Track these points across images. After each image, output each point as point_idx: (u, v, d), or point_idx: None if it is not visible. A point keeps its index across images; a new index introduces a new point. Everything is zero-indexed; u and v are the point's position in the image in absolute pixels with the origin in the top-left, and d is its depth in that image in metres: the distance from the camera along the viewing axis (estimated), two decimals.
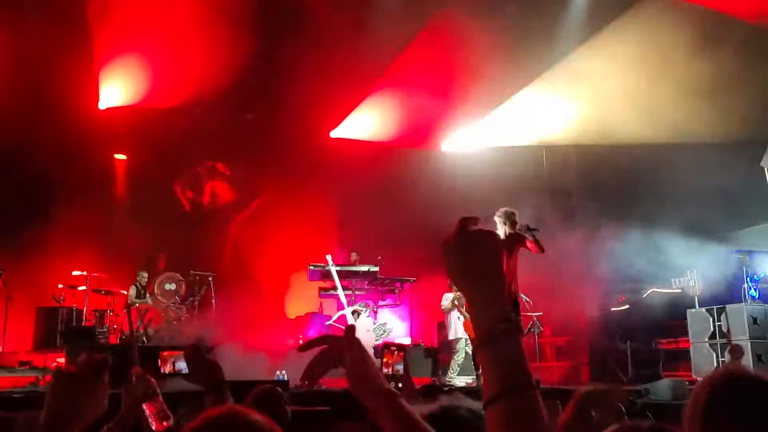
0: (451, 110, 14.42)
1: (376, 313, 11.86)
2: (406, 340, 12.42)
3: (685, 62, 11.39)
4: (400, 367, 2.90)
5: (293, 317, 13.41)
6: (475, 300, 1.27)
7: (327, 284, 12.00)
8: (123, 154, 14.03)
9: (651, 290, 12.47)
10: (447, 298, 10.59)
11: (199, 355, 2.27)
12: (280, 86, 13.53)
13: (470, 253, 1.29)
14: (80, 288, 11.47)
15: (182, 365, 2.43)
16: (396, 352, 2.92)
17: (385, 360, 2.87)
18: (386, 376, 2.93)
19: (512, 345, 1.22)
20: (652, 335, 12.58)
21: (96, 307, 11.49)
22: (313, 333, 12.34)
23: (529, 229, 8.64)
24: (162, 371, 2.66)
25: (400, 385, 2.86)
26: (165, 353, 2.71)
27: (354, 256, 12.57)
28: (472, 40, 12.57)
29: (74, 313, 11.46)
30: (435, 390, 3.86)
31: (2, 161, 11.97)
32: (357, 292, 11.73)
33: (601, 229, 13.67)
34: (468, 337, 10.33)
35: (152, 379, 2.40)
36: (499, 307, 1.25)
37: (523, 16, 12.60)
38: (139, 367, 2.46)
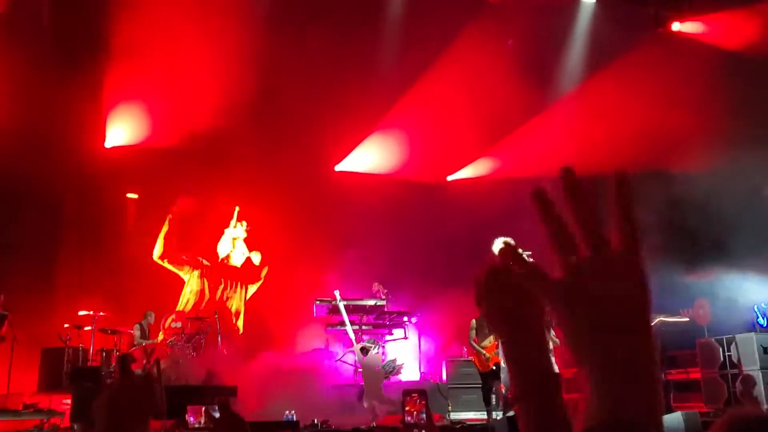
0: (457, 142, 14.49)
1: (384, 348, 11.78)
2: (416, 376, 12.31)
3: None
4: (423, 415, 2.86)
5: (299, 354, 13.32)
6: (512, 349, 1.19)
7: (333, 320, 11.95)
8: (133, 193, 14.05)
9: (658, 319, 12.40)
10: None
11: (228, 411, 2.25)
12: (285, 122, 13.61)
13: (507, 297, 1.19)
14: (86, 328, 11.40)
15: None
16: (418, 399, 2.88)
17: (407, 408, 2.84)
18: (409, 424, 2.90)
19: (554, 400, 1.16)
20: (661, 365, 12.47)
21: (102, 347, 11.42)
22: (320, 370, 12.28)
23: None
24: (189, 424, 2.63)
25: None
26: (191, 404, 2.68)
27: (376, 286, 12.47)
28: (479, 74, 12.70)
29: (80, 353, 11.38)
30: None
31: (10, 200, 12.01)
32: (364, 327, 11.66)
33: None
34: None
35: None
36: (539, 357, 1.17)
37: (527, 48, 12.72)
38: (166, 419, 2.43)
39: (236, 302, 13.94)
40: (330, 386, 11.21)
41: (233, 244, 14.15)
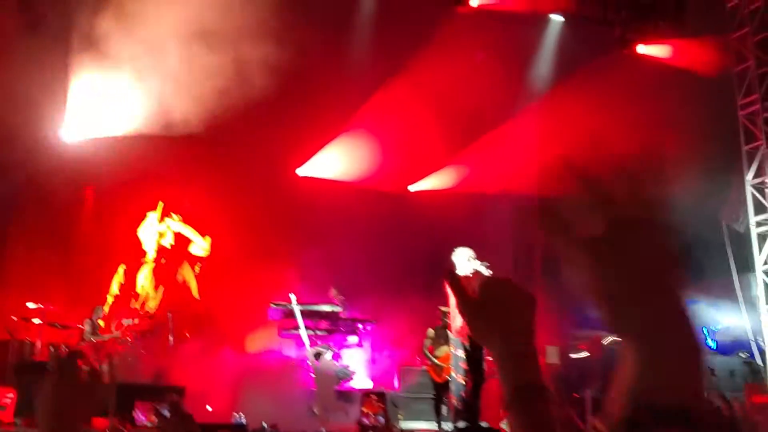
0: (420, 152, 14.57)
1: (338, 354, 11.74)
2: (368, 384, 12.30)
3: None
4: (381, 418, 2.86)
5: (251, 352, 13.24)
6: (502, 361, 1.19)
7: (287, 324, 11.87)
8: (88, 187, 13.82)
9: (611, 338, 12.56)
10: None
11: (178, 411, 2.23)
12: (246, 122, 13.52)
13: (497, 310, 1.20)
14: (35, 321, 11.16)
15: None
16: (376, 401, 2.89)
17: (365, 410, 2.84)
18: (365, 426, 2.91)
19: (541, 411, 1.16)
20: (611, 384, 12.61)
21: (50, 341, 11.17)
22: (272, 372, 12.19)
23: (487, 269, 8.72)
24: (136, 422, 2.60)
25: None
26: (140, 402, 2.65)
27: (333, 292, 12.44)
28: (446, 83, 12.80)
29: (27, 346, 11.12)
30: None
31: None
32: (318, 332, 11.61)
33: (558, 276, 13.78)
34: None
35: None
36: (528, 368, 1.18)
37: (494, 60, 12.85)
38: (114, 416, 2.40)
39: (191, 280, 13.98)
40: (281, 389, 11.13)
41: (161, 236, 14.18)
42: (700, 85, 12.22)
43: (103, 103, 12.96)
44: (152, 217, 14.06)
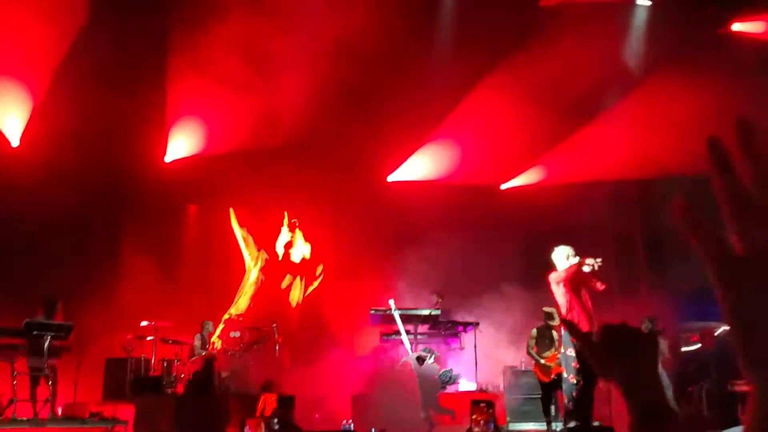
0: (512, 149, 14.37)
1: (440, 358, 11.70)
2: (472, 386, 12.19)
3: None
4: (492, 425, 2.84)
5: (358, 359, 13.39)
6: (627, 395, 1.25)
7: (389, 329, 11.94)
8: (193, 203, 14.39)
9: (722, 328, 12.04)
10: None
11: (287, 424, 2.27)
12: (338, 134, 13.71)
13: (622, 353, 1.29)
14: (148, 338, 11.64)
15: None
16: (486, 408, 2.86)
17: (474, 417, 2.82)
18: None
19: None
20: (726, 376, 12.10)
21: (163, 357, 11.63)
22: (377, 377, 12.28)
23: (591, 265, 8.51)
24: None
25: None
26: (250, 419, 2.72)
27: (435, 298, 12.40)
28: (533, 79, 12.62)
29: (142, 363, 11.62)
30: None
31: (74, 212, 12.37)
32: (419, 337, 11.61)
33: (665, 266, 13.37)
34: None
35: None
36: (655, 396, 1.25)
37: (583, 50, 12.51)
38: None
39: (297, 294, 14.29)
40: (389, 395, 11.21)
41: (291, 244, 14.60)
42: None
43: (203, 121, 13.46)
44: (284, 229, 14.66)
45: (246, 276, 14.41)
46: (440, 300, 12.22)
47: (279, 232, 14.74)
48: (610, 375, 1.29)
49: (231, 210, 14.47)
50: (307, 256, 14.85)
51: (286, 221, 14.66)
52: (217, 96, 12.66)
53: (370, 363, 12.62)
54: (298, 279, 14.64)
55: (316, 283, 14.67)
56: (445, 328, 12.30)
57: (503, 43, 13.04)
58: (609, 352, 1.30)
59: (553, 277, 8.53)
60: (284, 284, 14.51)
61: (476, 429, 2.44)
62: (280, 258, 14.60)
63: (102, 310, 11.78)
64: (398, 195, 14.63)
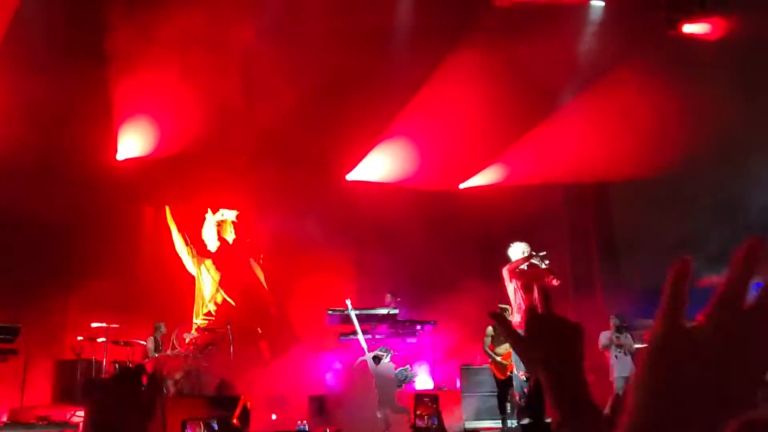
0: (467, 149, 14.42)
1: (397, 357, 11.69)
2: (429, 385, 12.22)
3: None
4: (435, 419, 2.79)
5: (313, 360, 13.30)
6: (552, 389, 1.23)
7: (346, 329, 11.87)
8: (143, 204, 14.10)
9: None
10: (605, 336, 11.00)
11: (227, 426, 2.21)
12: (294, 131, 13.60)
13: (543, 344, 1.25)
14: (99, 340, 11.40)
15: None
16: (430, 403, 2.82)
17: (418, 412, 2.77)
18: (419, 428, 2.85)
19: (590, 427, 1.18)
20: None
21: (115, 359, 11.40)
22: (331, 377, 12.23)
23: (543, 259, 8.66)
24: None
25: None
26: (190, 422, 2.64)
27: (389, 298, 12.38)
28: (486, 79, 12.65)
29: (93, 365, 11.37)
30: None
31: (22, 213, 12.02)
32: (377, 337, 11.56)
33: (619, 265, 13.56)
34: None
35: None
36: (579, 389, 1.21)
37: (537, 51, 12.61)
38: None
39: (258, 271, 14.26)
40: (345, 395, 11.16)
41: (221, 229, 14.35)
42: (752, 60, 11.79)
43: (153, 121, 13.17)
44: (209, 215, 14.36)
45: (198, 281, 14.11)
46: (395, 299, 12.22)
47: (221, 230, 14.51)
48: (535, 366, 1.25)
49: (167, 209, 14.15)
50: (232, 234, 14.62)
51: (209, 214, 14.46)
52: (167, 91, 12.39)
53: (326, 365, 12.56)
54: (251, 261, 14.44)
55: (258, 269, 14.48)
56: (403, 327, 12.27)
57: (458, 42, 13.07)
58: (533, 342, 1.27)
59: (504, 270, 8.68)
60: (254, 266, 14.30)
61: (420, 423, 2.40)
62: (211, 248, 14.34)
63: (51, 312, 11.50)
64: (356, 194, 14.56)
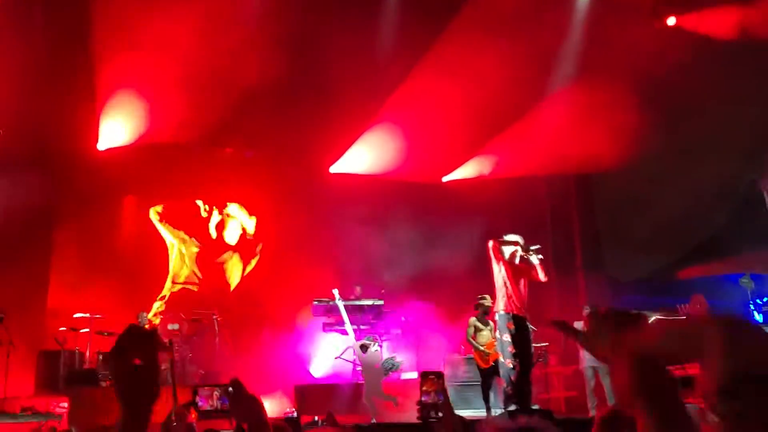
0: (451, 141, 14.47)
1: (382, 346, 11.75)
2: (413, 374, 12.27)
3: None
4: (441, 395, 2.83)
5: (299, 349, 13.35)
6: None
7: (331, 319, 11.92)
8: (126, 193, 14.00)
9: (654, 318, 12.40)
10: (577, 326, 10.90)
11: (240, 390, 2.23)
12: (280, 124, 13.58)
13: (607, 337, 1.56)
14: (83, 330, 11.32)
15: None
16: (436, 379, 2.86)
17: (424, 388, 2.81)
18: (425, 404, 2.88)
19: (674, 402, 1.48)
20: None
21: (98, 349, 11.34)
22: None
23: (536, 253, 8.75)
24: (200, 407, 2.60)
25: (440, 414, 2.78)
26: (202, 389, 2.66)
27: (358, 290, 12.47)
28: (471, 70, 12.70)
29: (76, 355, 11.29)
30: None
31: (2, 203, 11.90)
32: (362, 327, 11.62)
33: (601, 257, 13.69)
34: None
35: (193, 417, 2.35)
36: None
37: (522, 41, 12.64)
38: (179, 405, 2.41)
39: (235, 274, 14.12)
40: (329, 383, 11.23)
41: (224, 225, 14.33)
42: (736, 53, 11.94)
43: (137, 111, 13.07)
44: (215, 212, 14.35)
45: (171, 250, 14.06)
46: (360, 291, 12.33)
47: (209, 219, 14.48)
48: (600, 356, 1.55)
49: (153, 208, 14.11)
50: (250, 231, 14.60)
51: (204, 207, 14.41)
52: (150, 80, 12.30)
53: (312, 355, 12.61)
54: (236, 257, 14.39)
55: (254, 262, 14.44)
56: (389, 317, 12.36)
57: (441, 32, 13.10)
58: (595, 338, 1.53)
59: (490, 243, 8.79)
60: (220, 259, 14.23)
61: (425, 399, 2.45)
62: (214, 237, 14.33)
63: (35, 303, 11.41)
64: (341, 186, 14.57)
